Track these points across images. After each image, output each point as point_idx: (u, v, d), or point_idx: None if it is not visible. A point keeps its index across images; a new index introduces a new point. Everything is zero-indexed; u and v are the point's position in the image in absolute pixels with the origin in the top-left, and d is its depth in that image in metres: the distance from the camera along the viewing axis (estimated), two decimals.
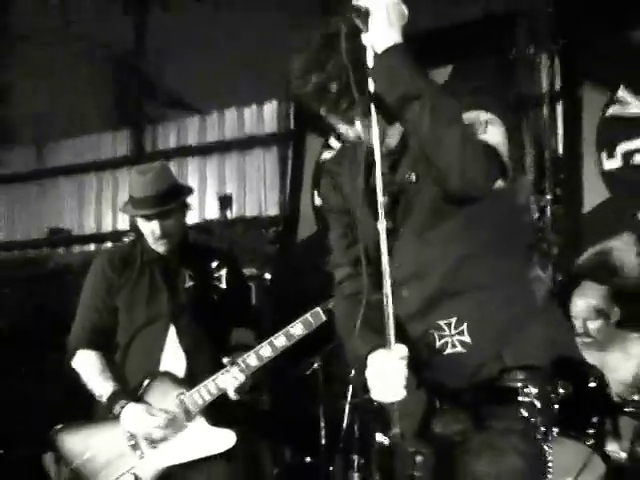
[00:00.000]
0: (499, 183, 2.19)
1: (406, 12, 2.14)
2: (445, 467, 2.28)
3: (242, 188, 7.74)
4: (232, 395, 3.35)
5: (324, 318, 3.31)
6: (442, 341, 2.28)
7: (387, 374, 2.15)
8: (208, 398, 3.34)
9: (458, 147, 2.04)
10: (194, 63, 7.45)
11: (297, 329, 3.33)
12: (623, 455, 3.81)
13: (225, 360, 3.34)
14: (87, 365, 3.50)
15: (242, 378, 3.32)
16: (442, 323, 2.28)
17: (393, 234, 2.20)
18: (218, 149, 7.91)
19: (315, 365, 5.17)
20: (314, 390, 5.20)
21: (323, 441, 5.14)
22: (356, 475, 4.52)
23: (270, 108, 7.56)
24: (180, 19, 7.36)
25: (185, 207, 3.59)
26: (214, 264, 3.61)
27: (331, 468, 4.93)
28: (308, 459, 5.36)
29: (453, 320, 2.27)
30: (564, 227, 5.61)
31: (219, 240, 6.84)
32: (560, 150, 5.82)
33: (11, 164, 9.05)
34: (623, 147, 5.47)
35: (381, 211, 2.14)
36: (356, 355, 2.33)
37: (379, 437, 4.31)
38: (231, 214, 7.35)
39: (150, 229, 3.45)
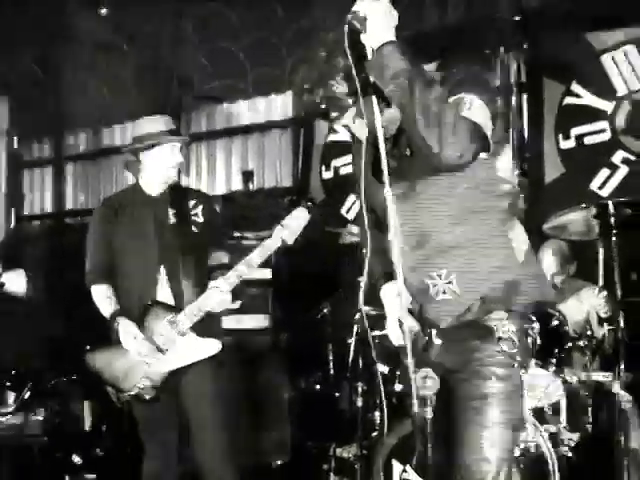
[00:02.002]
0: (483, 155, 2.21)
1: (396, 15, 2.17)
2: (444, 390, 2.33)
3: (262, 164, 7.70)
4: (217, 310, 3.43)
5: (274, 248, 3.38)
6: (435, 289, 2.32)
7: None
8: (194, 318, 3.40)
9: (439, 122, 2.06)
10: (222, 62, 7.46)
11: (255, 259, 3.38)
12: (575, 379, 3.93)
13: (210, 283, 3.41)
14: (98, 297, 3.56)
15: (219, 298, 3.39)
16: (434, 274, 2.31)
17: (394, 201, 2.22)
18: (241, 132, 7.88)
19: (325, 310, 5.26)
20: (324, 330, 5.29)
21: (332, 372, 5.25)
22: (359, 399, 4.56)
23: (285, 97, 7.55)
24: (209, 26, 7.34)
25: None
26: (192, 202, 3.62)
27: (337, 394, 5.03)
28: (318, 387, 5.42)
29: (443, 272, 2.30)
30: (529, 196, 5.67)
31: (242, 207, 6.87)
32: (525, 132, 5.87)
33: (73, 146, 9.06)
34: (576, 130, 5.53)
35: (387, 179, 2.16)
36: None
37: (380, 367, 4.40)
38: (253, 186, 7.33)
39: (171, 157, 3.51)
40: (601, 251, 3.87)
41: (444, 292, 2.32)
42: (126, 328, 3.41)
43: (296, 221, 3.42)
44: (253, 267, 3.40)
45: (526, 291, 2.32)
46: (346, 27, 2.12)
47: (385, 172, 2.15)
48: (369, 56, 2.14)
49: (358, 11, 2.12)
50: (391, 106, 2.24)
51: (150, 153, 3.52)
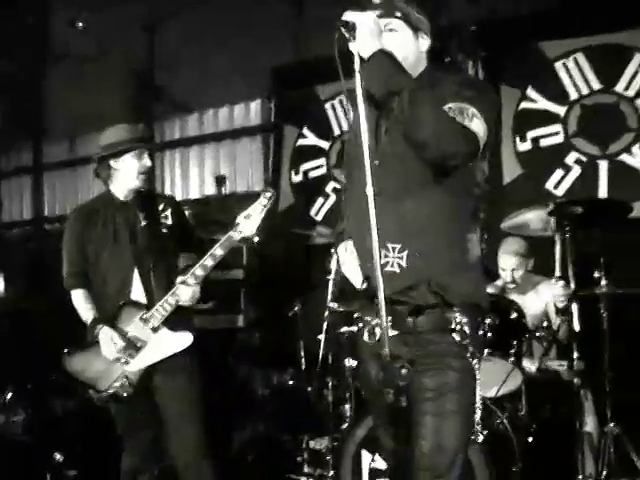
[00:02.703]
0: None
1: (382, 25, 2.22)
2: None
3: (233, 169, 7.70)
4: (187, 302, 3.42)
5: (237, 239, 3.39)
6: (385, 259, 2.32)
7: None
8: (165, 313, 3.41)
9: (433, 124, 2.10)
10: (193, 71, 7.43)
11: (219, 251, 3.38)
12: (534, 368, 3.98)
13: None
14: (77, 302, 3.56)
15: (188, 292, 3.40)
16: (390, 246, 2.31)
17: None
18: (214, 139, 7.87)
19: (296, 308, 5.28)
20: (295, 328, 5.30)
21: (303, 368, 5.26)
22: (330, 393, 4.57)
23: (255, 105, 7.55)
24: (180, 36, 7.33)
25: None
26: (161, 206, 3.62)
27: (309, 389, 5.04)
28: (291, 382, 5.43)
29: (398, 246, 2.31)
30: (489, 196, 5.74)
31: (215, 211, 6.85)
32: None
33: (50, 154, 9.01)
34: (532, 133, 5.62)
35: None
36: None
37: (348, 362, 4.42)
38: (225, 190, 7.33)
39: (140, 164, 3.50)
40: (557, 247, 3.92)
41: (392, 265, 2.32)
42: (107, 336, 3.40)
43: (255, 211, 3.43)
44: (217, 259, 3.39)
45: (467, 290, 2.35)
46: (336, 35, 2.13)
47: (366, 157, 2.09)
48: (357, 64, 2.13)
49: (347, 20, 2.14)
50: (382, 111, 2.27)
51: (119, 160, 3.51)
